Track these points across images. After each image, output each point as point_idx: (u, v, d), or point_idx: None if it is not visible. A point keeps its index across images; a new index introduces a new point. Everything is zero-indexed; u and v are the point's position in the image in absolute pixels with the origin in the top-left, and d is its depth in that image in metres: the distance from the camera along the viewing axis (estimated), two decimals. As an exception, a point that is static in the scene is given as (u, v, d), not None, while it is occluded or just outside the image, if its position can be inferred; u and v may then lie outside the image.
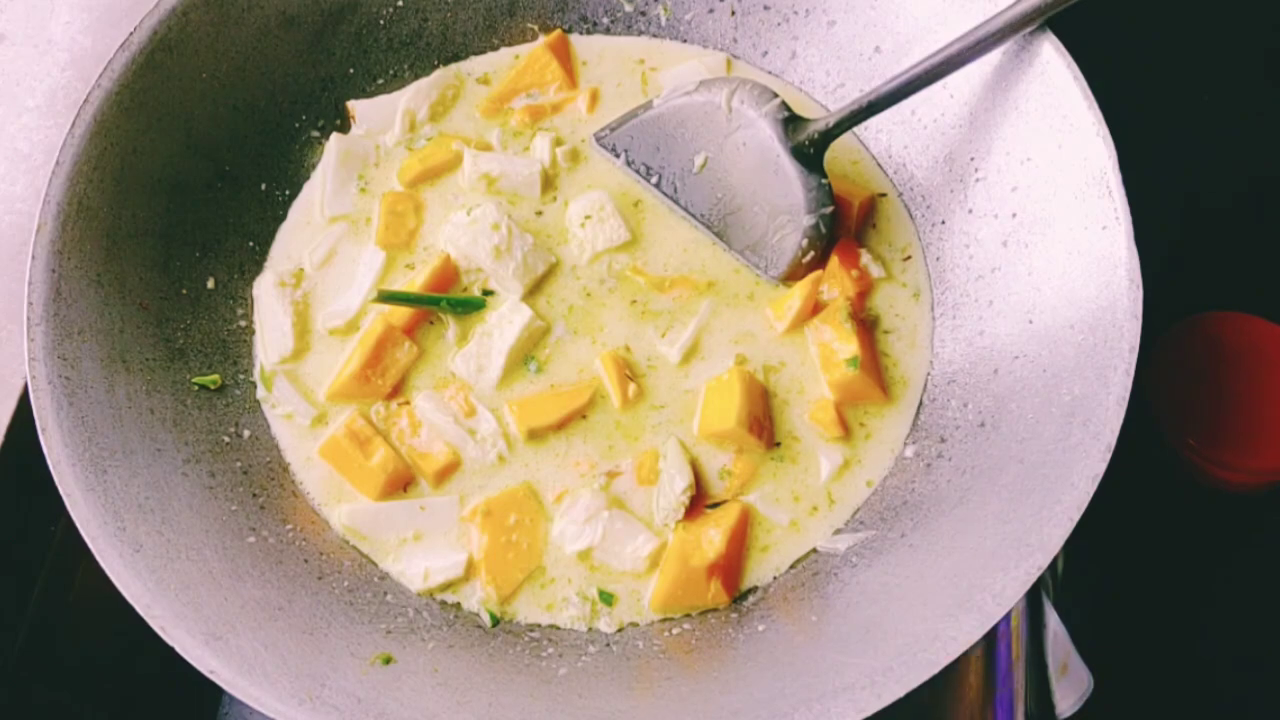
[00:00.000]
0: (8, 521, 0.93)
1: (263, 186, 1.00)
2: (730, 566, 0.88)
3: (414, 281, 0.96)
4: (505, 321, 0.94)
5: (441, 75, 1.05)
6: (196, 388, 0.91)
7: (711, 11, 1.05)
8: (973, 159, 0.94)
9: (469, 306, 0.96)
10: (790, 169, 0.92)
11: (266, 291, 0.97)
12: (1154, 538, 1.12)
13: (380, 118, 1.03)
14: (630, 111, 1.01)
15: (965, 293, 0.94)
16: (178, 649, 0.73)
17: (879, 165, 1.02)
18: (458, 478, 0.92)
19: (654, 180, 1.00)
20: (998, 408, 0.87)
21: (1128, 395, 0.76)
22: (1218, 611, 1.11)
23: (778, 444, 0.92)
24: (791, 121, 0.93)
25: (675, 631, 0.87)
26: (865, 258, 0.97)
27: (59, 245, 0.84)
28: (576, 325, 0.96)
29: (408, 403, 0.93)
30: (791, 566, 0.89)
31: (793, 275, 0.96)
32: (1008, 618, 0.95)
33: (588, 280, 0.98)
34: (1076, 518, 0.74)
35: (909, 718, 0.72)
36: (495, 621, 0.88)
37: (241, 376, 0.95)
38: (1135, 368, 0.77)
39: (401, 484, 0.92)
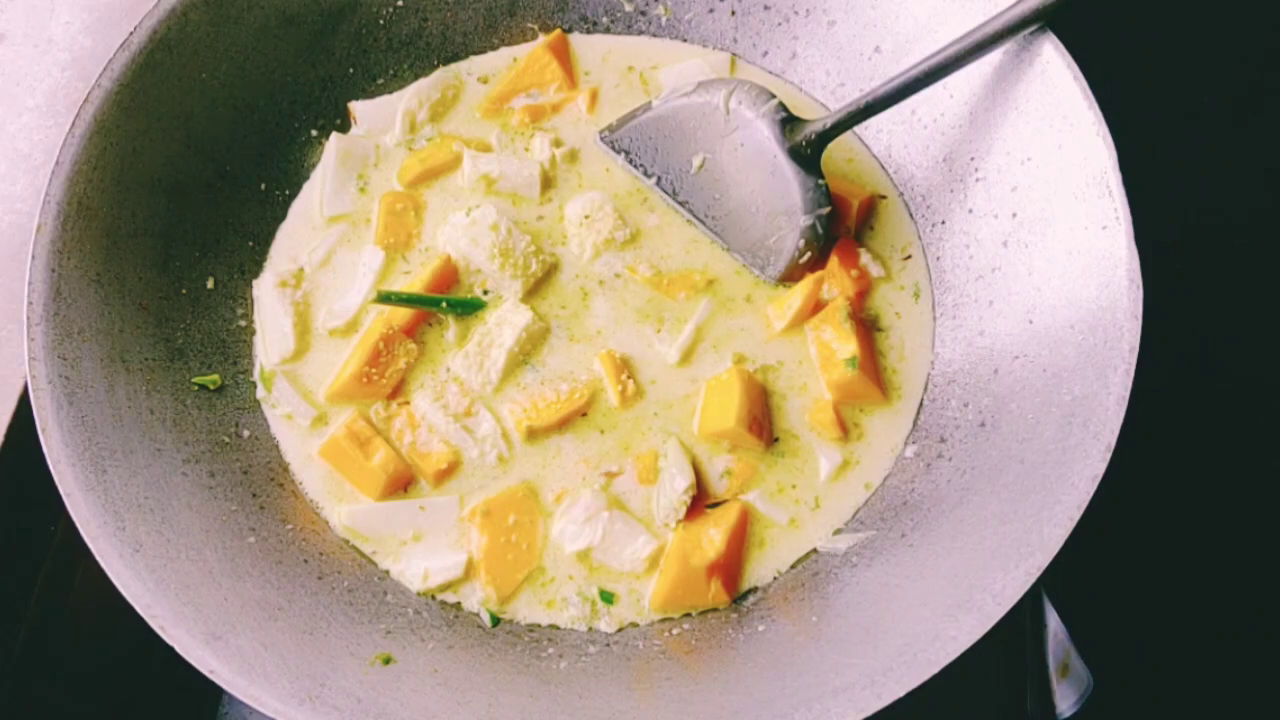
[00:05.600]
0: (8, 521, 0.93)
1: (262, 186, 1.00)
2: (730, 566, 0.88)
3: (414, 282, 0.96)
4: (505, 322, 0.94)
5: (441, 75, 1.05)
6: (196, 388, 0.91)
7: (711, 11, 1.05)
8: (973, 159, 0.94)
9: (469, 307, 0.96)
10: (787, 170, 0.92)
11: (267, 292, 0.97)
12: (1154, 538, 1.12)
13: (381, 118, 1.03)
14: (630, 113, 1.01)
15: (965, 293, 0.94)
16: (178, 649, 0.73)
17: (879, 165, 1.02)
18: (458, 478, 0.92)
19: (653, 180, 1.00)
20: (998, 408, 0.87)
21: (1128, 395, 0.76)
22: (1218, 612, 1.11)
23: (776, 440, 0.92)
24: (789, 122, 0.93)
25: (675, 631, 0.87)
26: (865, 257, 0.97)
27: (59, 245, 0.84)
28: (576, 325, 0.96)
29: (407, 403, 0.93)
30: (792, 566, 0.90)
31: (790, 276, 0.96)
32: (1008, 617, 0.94)
33: (587, 280, 0.98)
34: (1076, 518, 0.74)
35: (909, 717, 0.72)
36: (495, 621, 0.88)
37: (241, 376, 0.95)
38: (1135, 368, 0.77)
39: (402, 484, 0.92)
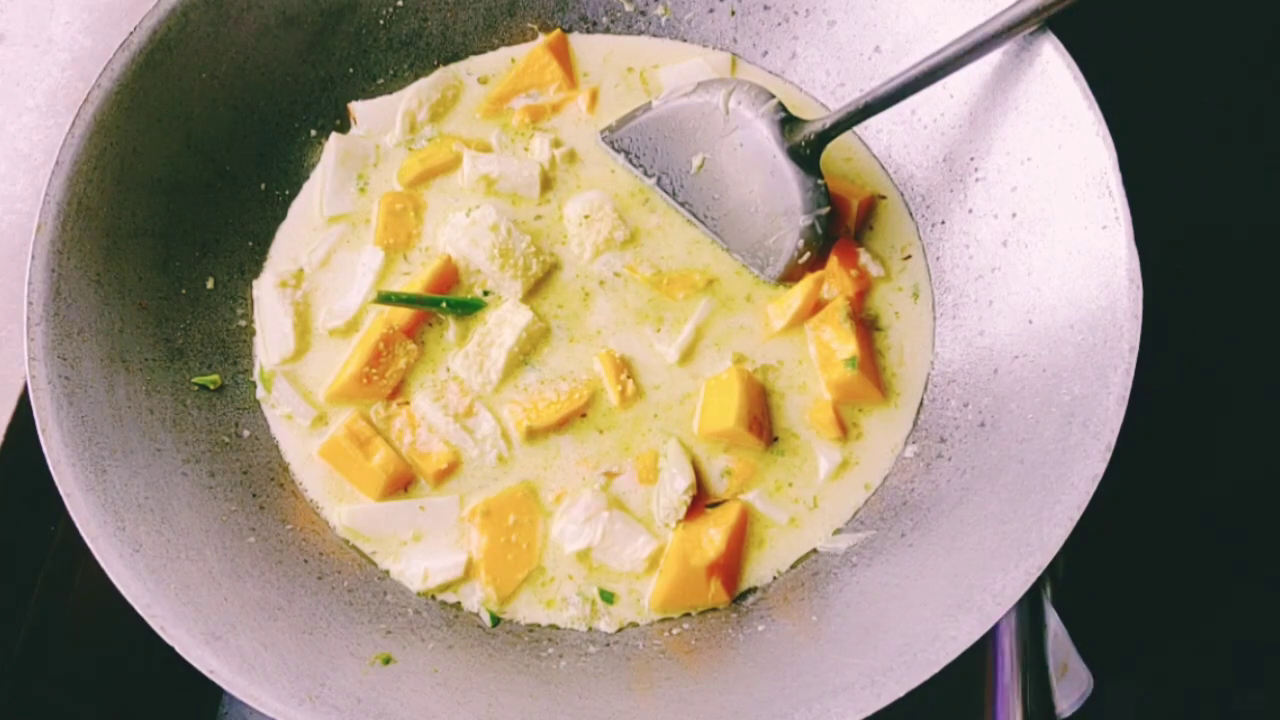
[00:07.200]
0: (8, 521, 0.93)
1: (262, 186, 1.00)
2: (730, 566, 0.88)
3: (414, 282, 0.96)
4: (505, 322, 0.94)
5: (441, 75, 1.05)
6: (196, 388, 0.91)
7: (711, 11, 1.05)
8: (973, 159, 0.94)
9: (469, 307, 0.96)
10: (787, 170, 0.92)
11: (267, 292, 0.97)
12: (1154, 538, 1.12)
13: (381, 118, 1.03)
14: (630, 113, 1.01)
15: (965, 293, 0.94)
16: (178, 649, 0.73)
17: (879, 165, 1.02)
18: (457, 478, 0.92)
19: (653, 180, 1.00)
20: (998, 408, 0.87)
21: (1128, 395, 0.76)
22: (1218, 612, 1.11)
23: (776, 439, 0.92)
24: (788, 122, 0.93)
25: (675, 631, 0.87)
26: (864, 257, 0.97)
27: (59, 245, 0.84)
28: (575, 326, 0.96)
29: (407, 403, 0.93)
30: (792, 566, 0.90)
31: (790, 276, 0.96)
32: (1008, 617, 0.94)
33: (587, 281, 0.98)
34: (1076, 518, 0.74)
35: (908, 718, 0.72)
36: (495, 621, 0.88)
37: (241, 376, 0.95)
38: (1135, 367, 0.77)
39: (402, 484, 0.92)
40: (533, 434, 0.92)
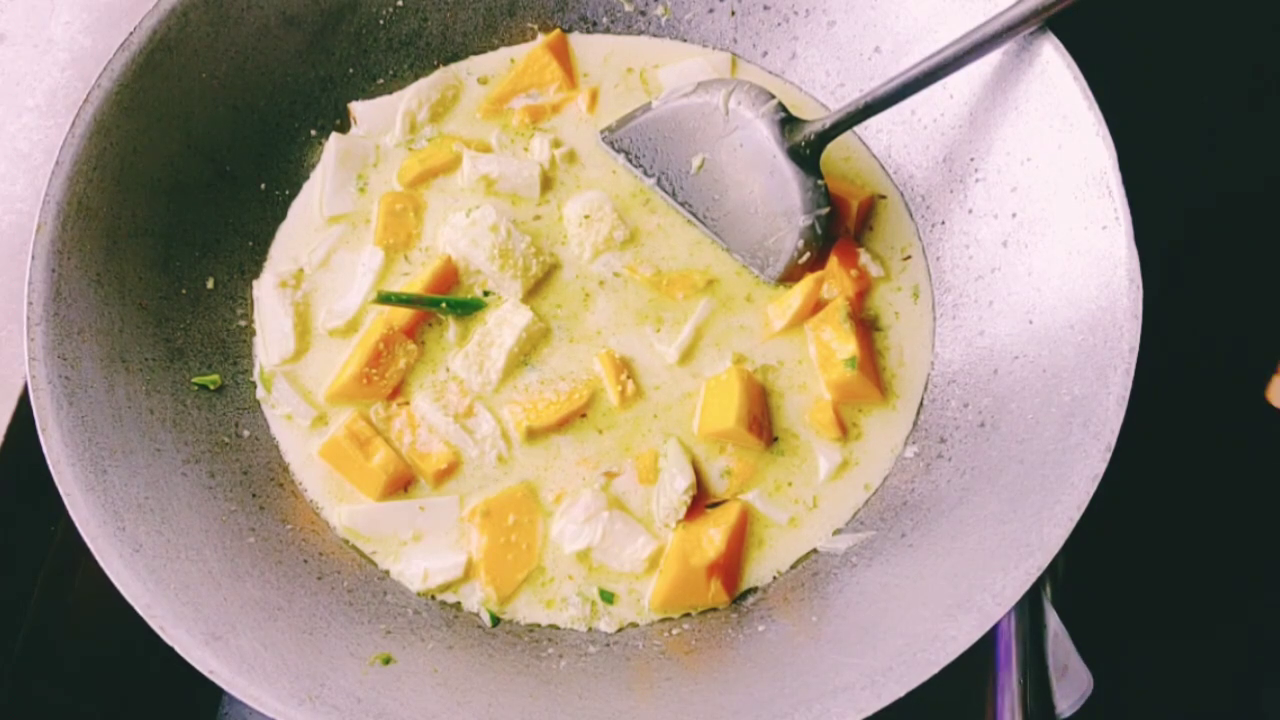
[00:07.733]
0: (8, 521, 0.93)
1: (262, 186, 1.00)
2: (730, 566, 0.88)
3: (414, 282, 0.96)
4: (505, 323, 0.94)
5: (441, 75, 1.05)
6: (196, 388, 0.91)
7: (711, 11, 1.05)
8: (973, 159, 0.94)
9: (469, 308, 0.96)
10: (787, 170, 0.92)
11: (267, 293, 0.97)
12: (1154, 538, 1.12)
13: (381, 118, 1.03)
14: (630, 113, 1.01)
15: (965, 293, 0.94)
16: (178, 649, 0.73)
17: (879, 165, 1.02)
18: (457, 478, 0.92)
19: (653, 181, 1.00)
20: (998, 408, 0.87)
21: (1128, 395, 0.76)
22: (1218, 612, 1.11)
23: (776, 439, 0.92)
24: (788, 123, 0.93)
25: (675, 631, 0.87)
26: (864, 257, 0.97)
27: (59, 245, 0.84)
28: (575, 326, 0.96)
29: (407, 403, 0.93)
30: (792, 567, 0.90)
31: (790, 276, 0.96)
32: (1008, 617, 0.94)
33: (587, 281, 0.98)
34: (1076, 518, 0.74)
35: (908, 718, 0.72)
36: (495, 621, 0.88)
37: (241, 376, 0.95)
38: (1135, 367, 0.77)
39: (402, 484, 0.92)
40: (533, 434, 0.92)
